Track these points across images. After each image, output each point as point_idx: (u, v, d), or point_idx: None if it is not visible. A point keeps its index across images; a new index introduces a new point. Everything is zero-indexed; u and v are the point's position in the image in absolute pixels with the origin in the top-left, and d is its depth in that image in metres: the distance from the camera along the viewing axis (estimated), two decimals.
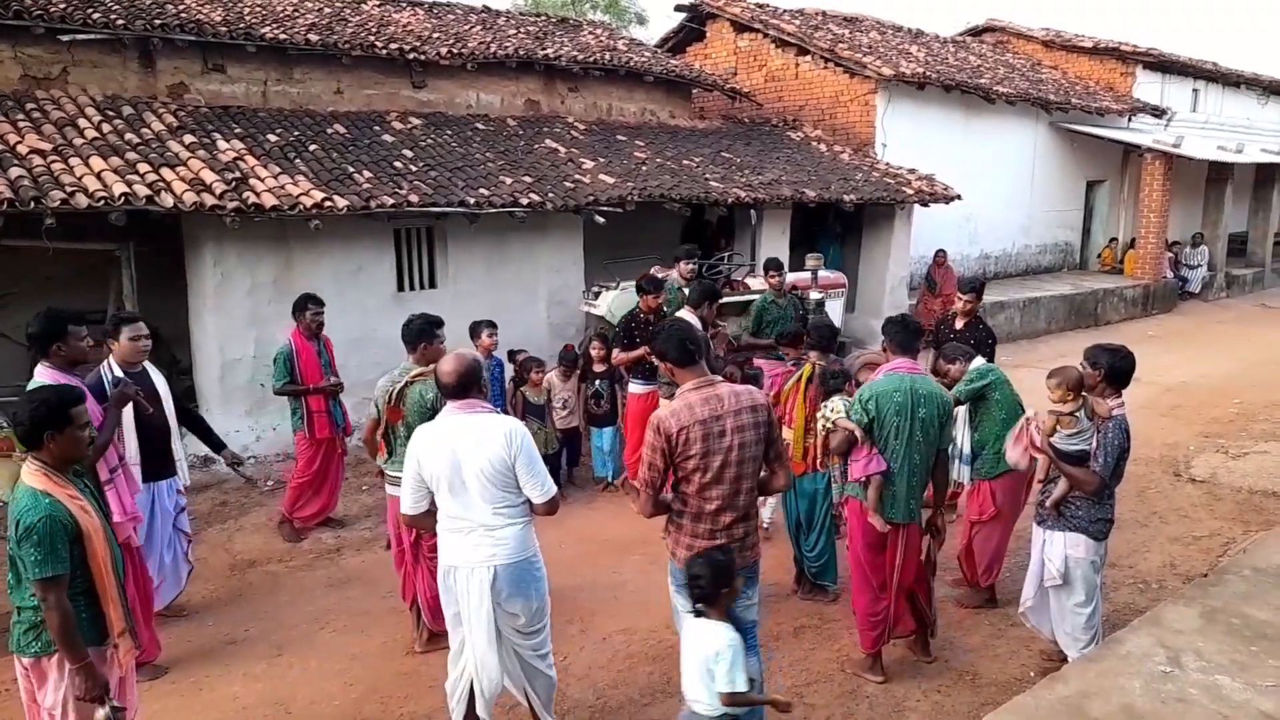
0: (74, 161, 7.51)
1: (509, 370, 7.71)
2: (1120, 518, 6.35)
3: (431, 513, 3.78)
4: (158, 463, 4.94)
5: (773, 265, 8.21)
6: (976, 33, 21.52)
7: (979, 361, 5.32)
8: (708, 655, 3.27)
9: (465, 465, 3.59)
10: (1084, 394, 4.39)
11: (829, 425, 4.43)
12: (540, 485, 3.67)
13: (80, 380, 4.31)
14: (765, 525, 5.84)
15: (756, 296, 8.89)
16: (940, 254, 13.67)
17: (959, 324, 6.81)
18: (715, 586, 3.34)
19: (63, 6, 9.08)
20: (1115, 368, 4.33)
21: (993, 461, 5.14)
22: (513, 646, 3.81)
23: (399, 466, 4.66)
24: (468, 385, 3.70)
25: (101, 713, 3.16)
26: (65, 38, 8.97)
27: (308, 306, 6.47)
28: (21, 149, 7.50)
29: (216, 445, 5.60)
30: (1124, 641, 3.86)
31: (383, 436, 4.78)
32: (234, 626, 5.29)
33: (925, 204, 13.38)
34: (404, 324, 4.87)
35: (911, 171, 13.67)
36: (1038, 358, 12.17)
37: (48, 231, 6.95)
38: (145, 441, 4.79)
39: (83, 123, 8.34)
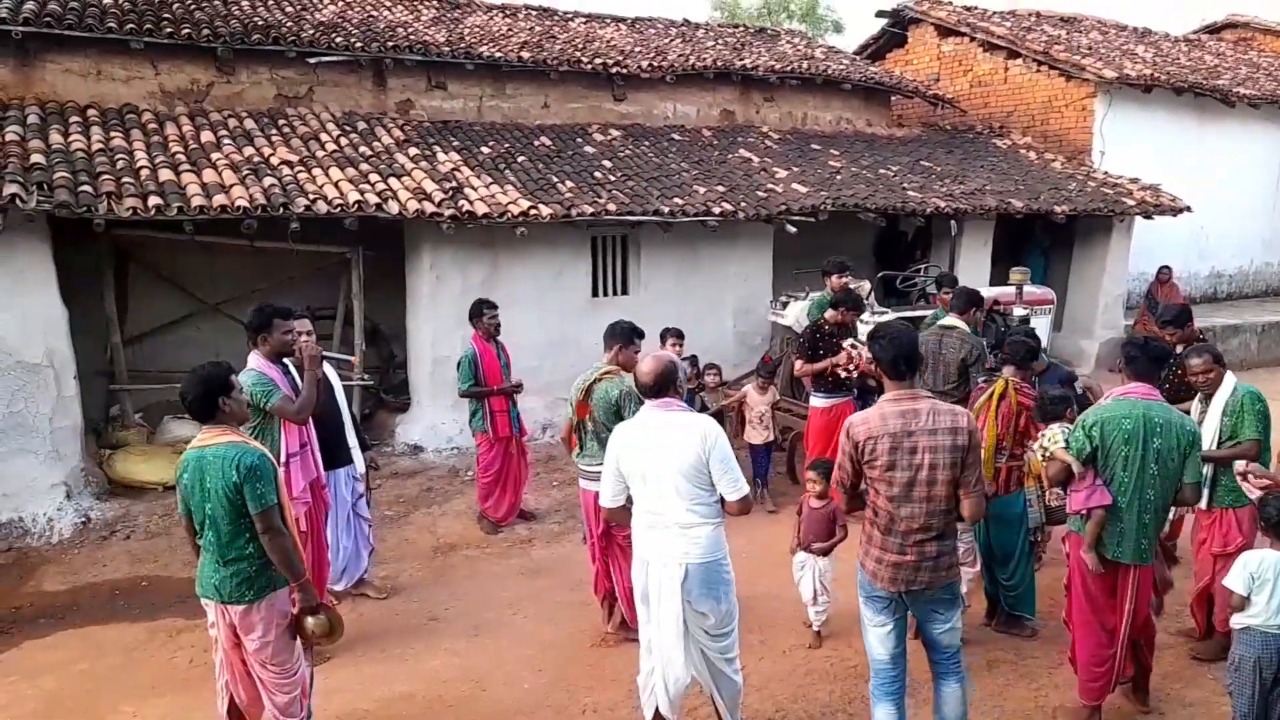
0: (316, 172, 8.34)
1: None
2: None
3: (627, 508, 3.91)
4: (332, 451, 5.28)
5: (946, 282, 7.85)
6: (1214, 30, 19.62)
7: (1231, 380, 4.82)
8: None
9: (662, 462, 3.71)
10: None
11: (1045, 453, 4.13)
12: (734, 482, 3.72)
13: (281, 371, 4.73)
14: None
15: (930, 312, 8.48)
16: (1164, 270, 12.58)
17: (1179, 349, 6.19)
18: None
19: (311, 32, 10.10)
20: None
21: (1239, 488, 4.66)
22: (700, 648, 3.86)
23: (589, 460, 4.97)
24: (664, 385, 3.84)
25: (310, 621, 3.59)
26: (312, 60, 9.98)
27: (483, 311, 6.71)
28: (274, 160, 8.40)
29: (362, 445, 5.73)
30: None
31: (575, 431, 5.04)
32: (436, 605, 5.68)
33: (1148, 216, 12.34)
34: (610, 324, 5.13)
35: (1133, 181, 12.65)
36: (1278, 388, 10.92)
37: (292, 234, 7.75)
38: (318, 430, 5.09)
39: (324, 137, 9.24)
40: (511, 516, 7.00)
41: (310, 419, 4.89)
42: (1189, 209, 12.45)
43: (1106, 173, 13.04)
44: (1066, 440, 4.12)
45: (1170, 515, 4.74)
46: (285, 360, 4.85)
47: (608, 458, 3.91)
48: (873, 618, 3.71)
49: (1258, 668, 3.76)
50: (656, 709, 3.96)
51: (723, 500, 3.78)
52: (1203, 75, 14.73)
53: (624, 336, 5.03)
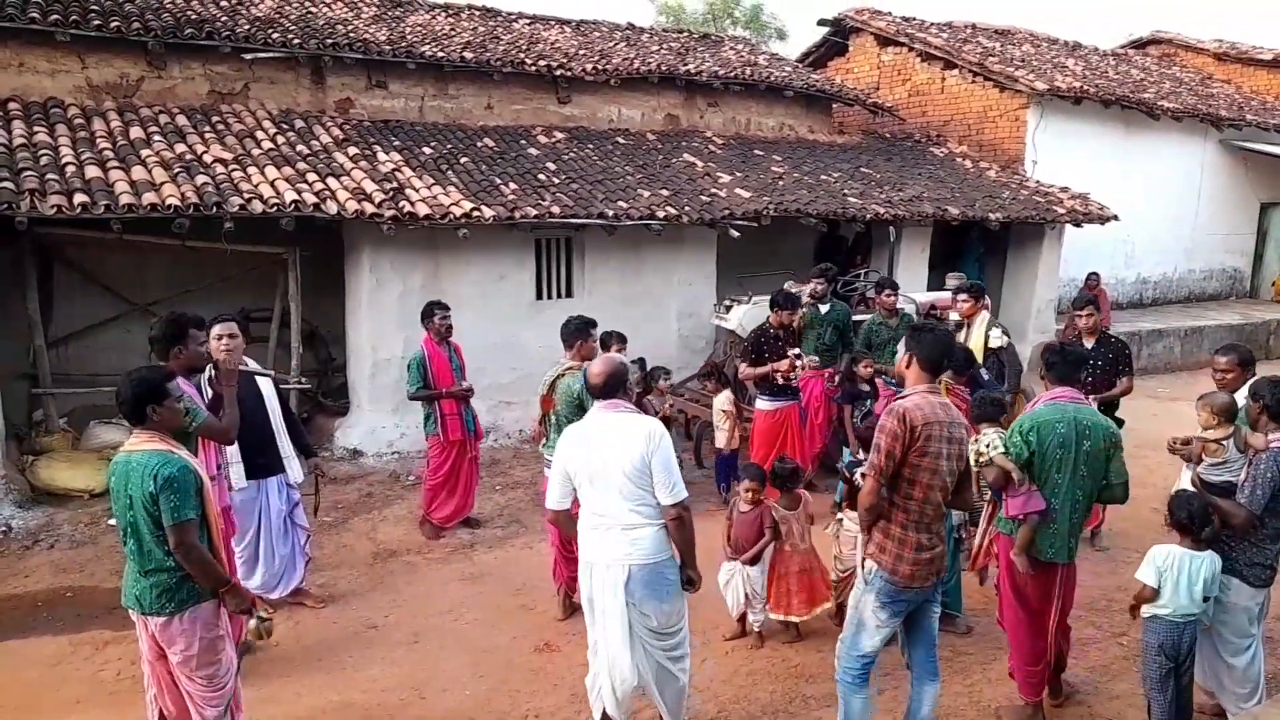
0: (251, 170, 8.15)
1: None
2: None
3: (572, 515, 3.90)
4: (261, 461, 5.13)
5: (887, 285, 8.02)
6: (1140, 45, 20.35)
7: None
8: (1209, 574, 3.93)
9: (608, 462, 3.70)
10: (1237, 425, 4.16)
11: (982, 458, 4.15)
12: (671, 487, 3.69)
13: (194, 387, 4.35)
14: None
15: (867, 317, 8.61)
16: (1093, 277, 12.96)
17: (1088, 343, 6.47)
18: (1193, 521, 3.93)
19: (247, 27, 9.88)
20: (1279, 400, 4.05)
21: None
22: (646, 647, 3.84)
23: (551, 450, 5.10)
24: (614, 387, 3.86)
25: (252, 623, 3.51)
26: (248, 56, 9.75)
27: (435, 311, 6.66)
28: (207, 158, 8.18)
29: (307, 452, 5.61)
30: None
31: (540, 423, 5.35)
32: (376, 612, 5.58)
33: (1078, 224, 12.75)
34: (563, 323, 5.41)
35: (1064, 190, 13.06)
36: (1199, 391, 11.36)
37: (226, 234, 7.56)
38: (245, 440, 4.89)
39: (260, 134, 9.03)
40: (455, 520, 6.91)
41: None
42: (1116, 218, 12.89)
43: (1038, 181, 13.43)
44: (1005, 446, 4.15)
45: None
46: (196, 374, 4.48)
47: (555, 459, 3.90)
48: (886, 620, 3.70)
49: (1163, 652, 3.99)
50: (604, 710, 3.94)
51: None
52: (1129, 88, 15.28)
53: (581, 331, 5.35)
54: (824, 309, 7.71)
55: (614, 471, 3.69)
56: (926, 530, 3.64)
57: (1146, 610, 4.03)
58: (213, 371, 4.53)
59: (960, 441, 3.65)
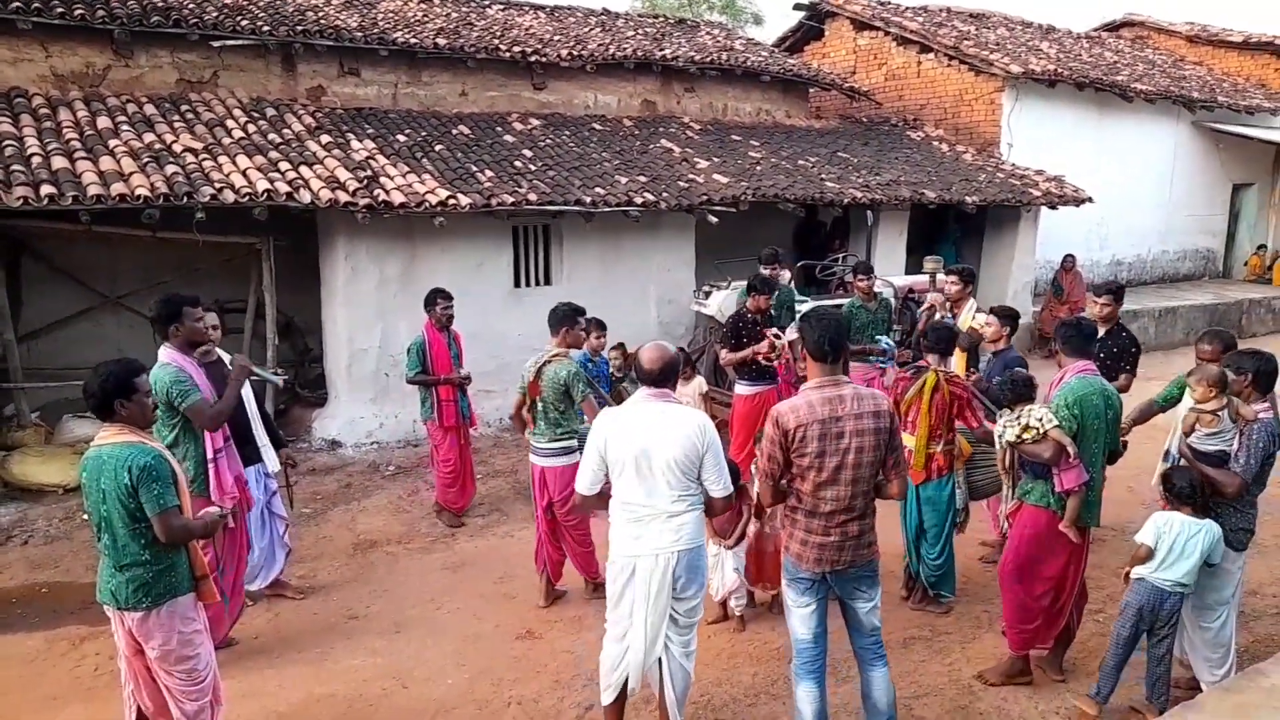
0: (222, 160, 8.02)
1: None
2: (1264, 542, 5.96)
3: (604, 495, 3.83)
4: (239, 450, 5.04)
5: (862, 269, 8.05)
6: (1114, 28, 20.49)
7: None
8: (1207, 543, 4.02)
9: (656, 452, 3.62)
10: (1229, 396, 4.27)
11: (1028, 433, 4.25)
12: (722, 480, 3.70)
13: (195, 361, 4.52)
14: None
15: (845, 301, 8.62)
16: (1069, 259, 13.09)
17: (1100, 331, 6.46)
18: (1192, 490, 4.06)
19: (215, 15, 9.72)
20: (1261, 371, 4.25)
21: None
22: (666, 643, 3.80)
23: (537, 437, 5.23)
24: (666, 375, 3.77)
25: (215, 510, 3.79)
26: (217, 44, 9.59)
27: (438, 300, 6.69)
28: (176, 147, 8.06)
29: (278, 443, 5.54)
30: (1267, 674, 3.60)
31: (528, 410, 5.30)
32: (356, 603, 5.55)
33: (1053, 206, 12.84)
34: (551, 310, 5.35)
35: (1039, 173, 13.15)
36: (1174, 371, 11.46)
37: (198, 225, 7.45)
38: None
39: (230, 123, 8.90)
40: (468, 506, 6.94)
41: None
42: (1091, 200, 12.99)
43: (1014, 164, 13.51)
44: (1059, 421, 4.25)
45: None
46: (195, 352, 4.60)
47: (591, 444, 3.77)
48: (797, 599, 3.75)
49: (1140, 613, 4.11)
50: (615, 696, 3.90)
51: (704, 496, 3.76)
52: (1103, 71, 15.37)
53: (567, 319, 5.28)
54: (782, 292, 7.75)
55: (662, 461, 3.62)
56: (822, 519, 3.59)
57: (1135, 571, 4.15)
58: (229, 365, 4.71)
59: (863, 433, 3.52)
